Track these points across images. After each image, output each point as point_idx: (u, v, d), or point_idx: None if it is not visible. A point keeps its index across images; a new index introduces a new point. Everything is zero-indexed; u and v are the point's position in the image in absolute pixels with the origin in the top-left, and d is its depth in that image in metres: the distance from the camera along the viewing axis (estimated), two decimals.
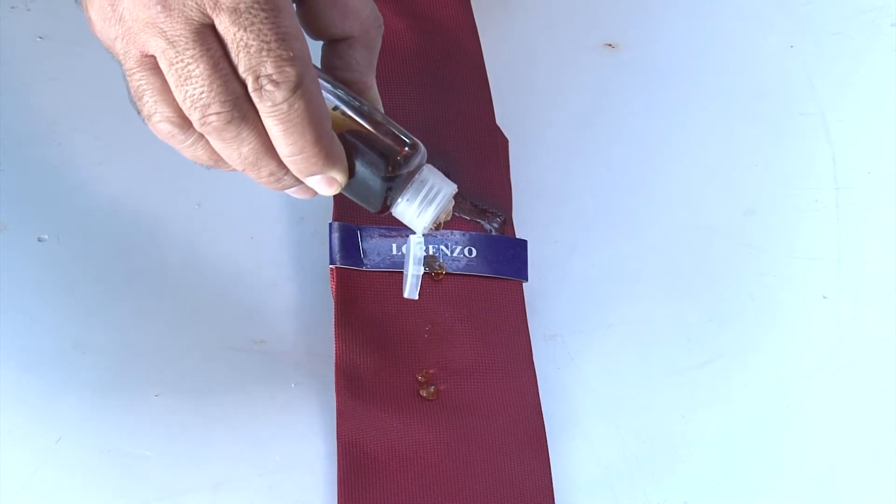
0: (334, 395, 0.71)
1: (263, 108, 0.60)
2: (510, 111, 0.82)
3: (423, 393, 0.71)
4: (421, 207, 0.64)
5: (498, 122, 0.81)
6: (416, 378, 0.72)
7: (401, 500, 0.67)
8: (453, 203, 0.66)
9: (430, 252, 0.75)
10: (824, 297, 0.78)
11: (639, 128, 0.84)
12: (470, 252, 0.75)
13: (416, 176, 0.64)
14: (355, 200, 0.65)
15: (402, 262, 0.74)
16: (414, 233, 0.66)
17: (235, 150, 0.61)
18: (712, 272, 0.79)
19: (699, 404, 0.73)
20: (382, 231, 0.75)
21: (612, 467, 0.70)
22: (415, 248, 0.67)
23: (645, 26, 0.88)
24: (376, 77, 0.81)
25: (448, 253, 0.75)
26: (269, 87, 0.59)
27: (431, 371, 0.72)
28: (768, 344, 0.75)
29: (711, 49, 0.88)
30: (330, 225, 0.75)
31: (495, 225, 0.76)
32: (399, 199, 0.64)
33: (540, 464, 0.69)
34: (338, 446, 0.69)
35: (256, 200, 0.80)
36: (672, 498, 0.70)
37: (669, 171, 0.83)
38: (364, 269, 0.74)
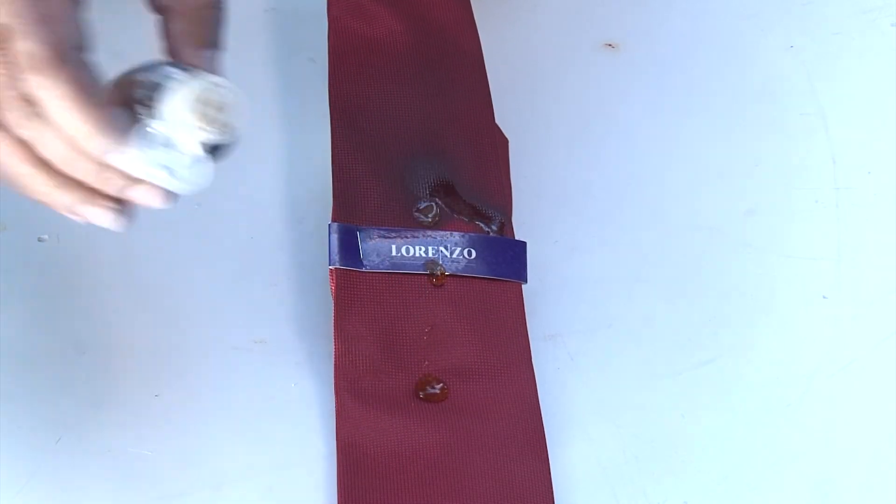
0: (333, 395, 0.71)
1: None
2: (510, 111, 0.82)
3: (423, 394, 0.72)
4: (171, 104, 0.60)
5: (498, 121, 0.82)
6: (416, 379, 0.72)
7: (400, 501, 0.67)
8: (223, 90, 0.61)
9: (430, 254, 0.75)
10: (824, 297, 0.78)
11: (638, 128, 0.84)
12: (469, 254, 0.75)
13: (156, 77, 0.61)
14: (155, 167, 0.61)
15: (402, 264, 0.74)
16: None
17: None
18: (712, 272, 0.79)
19: (699, 404, 0.73)
20: (382, 232, 0.76)
21: (612, 467, 0.70)
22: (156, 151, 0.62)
23: (645, 26, 0.88)
24: (371, 80, 0.81)
25: (447, 254, 0.75)
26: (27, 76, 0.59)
27: (431, 372, 0.72)
28: (768, 344, 0.75)
29: (711, 49, 0.88)
30: (329, 226, 0.75)
31: (494, 227, 0.76)
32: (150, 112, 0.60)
33: (539, 464, 0.69)
34: (337, 447, 0.69)
35: (256, 200, 0.80)
36: (672, 498, 0.70)
37: (669, 170, 0.83)
38: (363, 269, 0.74)
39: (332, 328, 0.73)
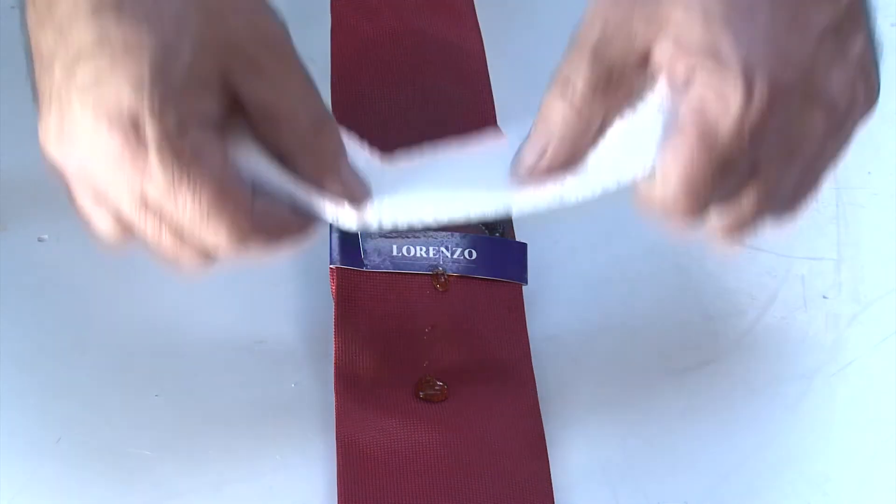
0: (333, 395, 0.71)
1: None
2: (510, 111, 0.82)
3: (423, 394, 0.71)
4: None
5: (498, 122, 0.82)
6: (416, 379, 0.72)
7: (400, 501, 0.67)
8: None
9: (431, 254, 0.75)
10: (824, 297, 0.78)
11: None
12: (470, 254, 0.75)
13: None
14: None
15: (403, 264, 0.74)
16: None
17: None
18: (712, 272, 0.79)
19: (699, 404, 0.73)
20: (383, 231, 0.75)
21: (612, 467, 0.70)
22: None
23: None
24: (374, 80, 0.81)
25: (448, 255, 0.75)
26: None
27: (431, 372, 0.72)
28: (768, 344, 0.75)
29: None
30: (330, 225, 0.75)
31: (497, 233, 0.76)
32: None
33: (539, 464, 0.69)
34: (337, 447, 0.69)
35: None
36: (672, 498, 0.70)
37: None
38: (364, 269, 0.74)
39: (333, 328, 0.73)
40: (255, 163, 0.63)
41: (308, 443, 0.70)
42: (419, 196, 0.64)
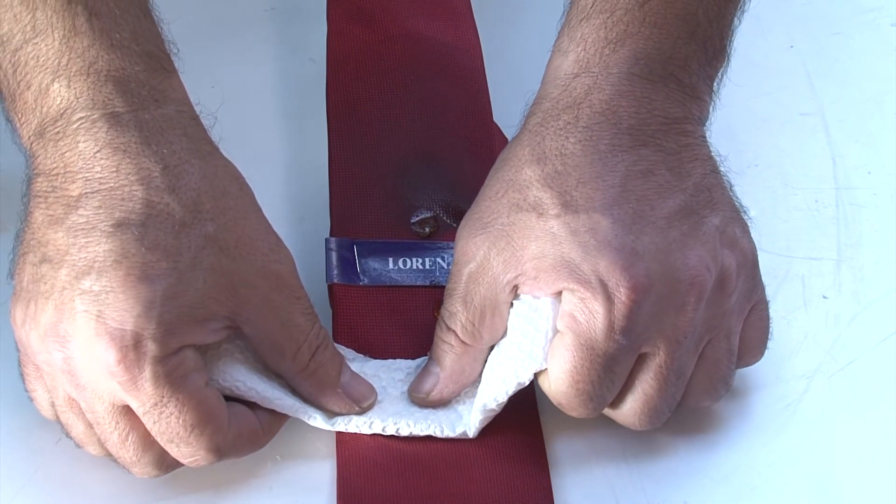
0: None
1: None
2: (509, 111, 0.82)
3: None
4: None
5: (496, 121, 0.81)
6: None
7: (399, 502, 0.67)
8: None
9: (427, 266, 0.75)
10: (824, 297, 0.78)
11: None
12: None
13: None
14: None
15: (400, 277, 0.74)
16: None
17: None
18: None
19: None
20: (378, 245, 0.75)
21: (612, 467, 0.70)
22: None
23: None
24: (370, 87, 0.81)
25: (444, 265, 0.75)
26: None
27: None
28: (769, 344, 0.75)
29: None
30: (326, 240, 0.75)
31: None
32: None
33: (538, 465, 0.69)
34: (337, 447, 0.69)
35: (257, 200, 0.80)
36: (672, 498, 0.70)
37: None
38: (361, 284, 0.74)
39: (332, 333, 0.73)
40: (235, 376, 0.66)
41: (308, 443, 0.70)
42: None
